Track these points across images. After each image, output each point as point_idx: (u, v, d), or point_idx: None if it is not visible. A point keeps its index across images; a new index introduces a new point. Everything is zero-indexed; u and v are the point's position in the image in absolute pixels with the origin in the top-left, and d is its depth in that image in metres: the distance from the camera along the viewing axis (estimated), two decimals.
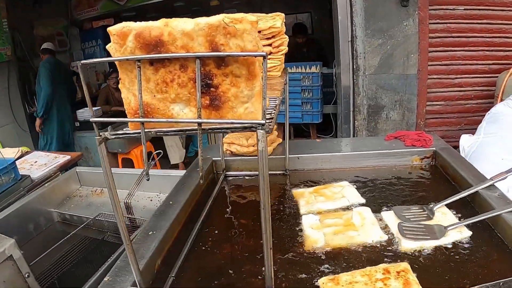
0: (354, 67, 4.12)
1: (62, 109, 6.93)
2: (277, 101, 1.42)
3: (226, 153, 2.66)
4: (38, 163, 3.69)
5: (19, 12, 7.44)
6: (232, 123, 0.98)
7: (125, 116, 1.09)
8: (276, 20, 1.95)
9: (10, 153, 3.91)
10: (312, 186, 2.36)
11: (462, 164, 2.32)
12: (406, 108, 4.24)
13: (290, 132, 5.68)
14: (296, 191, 2.27)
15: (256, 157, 2.40)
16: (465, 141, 3.36)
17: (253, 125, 0.97)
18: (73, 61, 8.98)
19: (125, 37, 1.00)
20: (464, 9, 4.26)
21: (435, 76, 4.35)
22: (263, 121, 0.96)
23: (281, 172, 2.59)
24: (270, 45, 1.98)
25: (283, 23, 2.05)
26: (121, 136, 1.13)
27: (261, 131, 0.96)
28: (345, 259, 1.64)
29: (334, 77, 5.08)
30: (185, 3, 9.33)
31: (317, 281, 1.49)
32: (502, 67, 4.40)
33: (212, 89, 0.99)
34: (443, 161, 2.49)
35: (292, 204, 2.15)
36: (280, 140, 2.73)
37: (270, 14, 2.09)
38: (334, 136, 5.42)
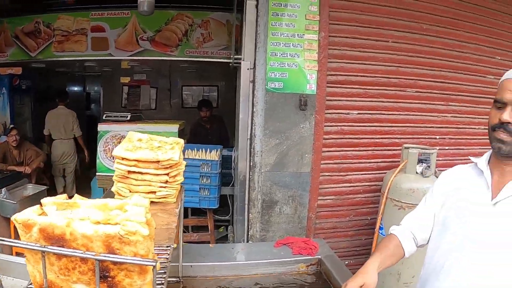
0: (251, 164, 4.30)
1: None
2: (169, 250, 1.56)
3: None
4: None
5: None
6: None
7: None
8: (175, 152, 2.09)
9: None
10: None
11: (342, 273, 2.53)
12: (298, 203, 4.45)
13: (187, 212, 5.74)
14: None
15: None
16: None
17: None
18: None
19: (29, 227, 1.13)
20: (358, 113, 4.63)
21: (327, 174, 4.63)
22: None
23: (175, 279, 2.65)
24: (167, 174, 2.09)
25: (181, 154, 2.19)
26: None
27: None
28: None
29: (232, 161, 5.26)
30: (95, 63, 9.34)
31: None
32: (389, 164, 4.81)
33: (109, 278, 1.14)
34: (327, 270, 2.68)
35: None
36: (175, 245, 2.83)
37: (170, 141, 2.23)
38: (231, 217, 5.57)
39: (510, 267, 1.69)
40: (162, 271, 1.39)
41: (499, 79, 1.85)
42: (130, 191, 2.09)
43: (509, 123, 1.73)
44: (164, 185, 2.10)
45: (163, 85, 11.04)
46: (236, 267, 2.78)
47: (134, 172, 2.08)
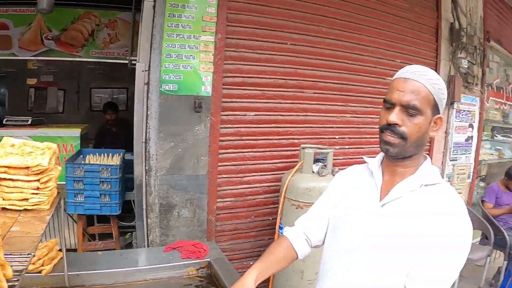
0: (147, 167, 4.24)
1: None
2: (29, 258, 1.54)
3: None
4: None
5: None
6: None
7: None
8: (44, 158, 2.05)
9: None
10: None
11: (231, 275, 2.56)
12: (197, 206, 4.45)
13: (92, 220, 5.56)
14: None
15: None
16: None
17: None
18: None
19: None
20: (255, 115, 4.69)
21: (224, 176, 4.65)
22: None
23: None
24: (38, 180, 2.05)
25: (52, 159, 2.15)
26: None
27: None
28: None
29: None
30: None
31: None
32: (288, 164, 4.91)
33: None
34: (216, 272, 2.71)
35: None
36: (61, 254, 2.76)
37: (42, 146, 2.18)
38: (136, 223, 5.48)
39: (396, 269, 1.69)
40: (15, 279, 1.38)
41: None
42: (3, 199, 2.04)
43: (396, 124, 1.70)
44: (36, 191, 2.06)
45: (72, 87, 10.45)
46: (125, 274, 2.74)
47: (5, 179, 2.03)
